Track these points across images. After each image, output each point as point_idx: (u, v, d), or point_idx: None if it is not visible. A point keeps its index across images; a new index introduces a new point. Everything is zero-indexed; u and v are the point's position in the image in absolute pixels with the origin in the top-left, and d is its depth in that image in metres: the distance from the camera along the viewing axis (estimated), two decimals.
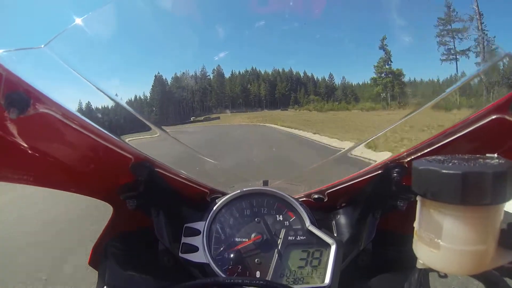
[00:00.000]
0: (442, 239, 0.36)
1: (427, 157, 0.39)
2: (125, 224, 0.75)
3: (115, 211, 0.74)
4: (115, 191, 0.67)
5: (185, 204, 0.77)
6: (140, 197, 0.67)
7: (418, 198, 0.39)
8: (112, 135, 0.57)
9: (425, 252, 0.39)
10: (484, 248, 0.35)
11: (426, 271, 0.47)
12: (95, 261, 0.72)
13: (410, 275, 0.56)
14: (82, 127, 0.52)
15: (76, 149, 0.59)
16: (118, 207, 0.73)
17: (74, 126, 0.51)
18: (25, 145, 0.53)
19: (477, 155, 0.38)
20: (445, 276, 0.45)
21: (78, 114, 0.51)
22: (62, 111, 0.49)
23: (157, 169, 0.67)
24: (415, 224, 0.40)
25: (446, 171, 0.33)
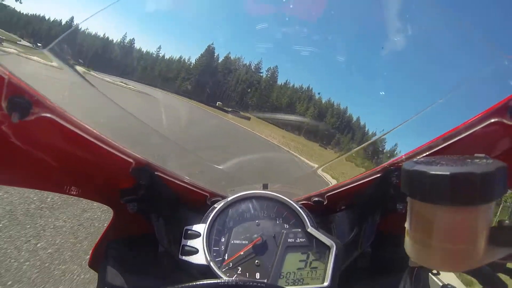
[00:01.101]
0: (432, 239, 0.36)
1: (416, 159, 0.39)
2: (125, 227, 0.76)
3: (115, 214, 0.75)
4: (116, 195, 0.68)
5: (185, 207, 0.77)
6: (141, 201, 0.68)
7: (408, 199, 0.39)
8: (112, 140, 0.59)
9: (417, 251, 0.39)
10: (474, 246, 0.35)
11: (419, 269, 0.47)
12: (95, 263, 0.73)
13: (405, 274, 0.55)
14: (83, 131, 0.53)
15: (77, 153, 0.59)
16: (118, 210, 0.74)
17: (75, 130, 0.52)
18: (27, 149, 0.54)
19: (466, 156, 0.38)
20: (438, 273, 0.44)
21: (79, 119, 0.52)
22: (63, 116, 0.49)
23: (157, 173, 0.68)
24: (406, 224, 0.41)
25: (434, 172, 0.33)
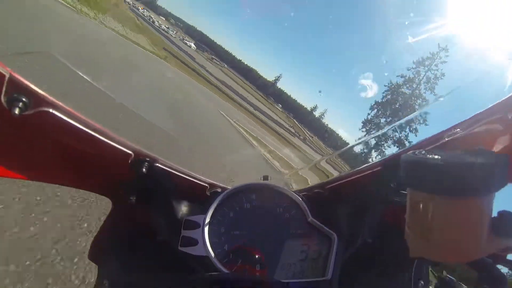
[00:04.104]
0: (432, 230, 0.36)
1: (415, 150, 0.39)
2: (124, 218, 0.76)
3: (114, 206, 0.75)
4: (115, 186, 0.68)
5: (184, 198, 0.77)
6: (140, 192, 0.68)
7: (408, 190, 0.39)
8: (112, 132, 0.59)
9: (417, 242, 0.39)
10: (475, 237, 0.35)
11: (420, 260, 0.48)
12: (94, 255, 0.73)
13: (405, 265, 0.56)
14: (82, 123, 0.54)
15: (76, 145, 0.60)
16: (117, 202, 0.74)
17: (74, 123, 0.53)
18: (27, 142, 0.55)
19: (465, 149, 0.38)
20: (438, 264, 0.45)
21: (77, 113, 0.53)
22: (63, 109, 0.51)
23: (156, 165, 0.68)
24: (406, 215, 0.41)
25: (433, 163, 0.33)
